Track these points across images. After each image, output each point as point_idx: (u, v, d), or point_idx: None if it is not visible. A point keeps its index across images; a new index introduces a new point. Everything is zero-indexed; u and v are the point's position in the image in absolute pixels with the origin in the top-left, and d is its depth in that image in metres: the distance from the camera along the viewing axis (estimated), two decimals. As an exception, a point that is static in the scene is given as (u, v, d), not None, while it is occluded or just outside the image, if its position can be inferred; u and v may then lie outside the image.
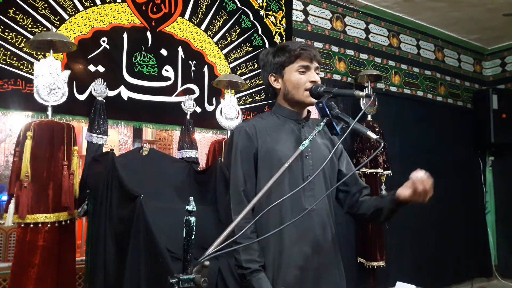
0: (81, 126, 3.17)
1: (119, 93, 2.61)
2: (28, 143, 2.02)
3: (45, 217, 2.02)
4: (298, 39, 3.50)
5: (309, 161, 1.40)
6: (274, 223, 1.34)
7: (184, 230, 0.86)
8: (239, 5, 3.22)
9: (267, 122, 1.46)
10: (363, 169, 3.43)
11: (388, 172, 3.52)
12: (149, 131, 5.29)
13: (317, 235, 1.37)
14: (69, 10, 2.50)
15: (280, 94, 1.47)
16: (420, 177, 1.20)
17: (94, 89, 2.44)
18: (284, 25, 3.48)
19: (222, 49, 3.10)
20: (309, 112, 1.51)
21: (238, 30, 3.20)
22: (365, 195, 1.49)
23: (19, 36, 2.33)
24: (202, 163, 3.14)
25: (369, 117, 3.62)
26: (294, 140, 1.42)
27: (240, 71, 3.17)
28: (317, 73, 1.43)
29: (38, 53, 2.34)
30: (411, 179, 1.22)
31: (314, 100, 1.39)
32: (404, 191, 1.25)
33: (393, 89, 4.24)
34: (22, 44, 2.32)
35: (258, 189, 1.38)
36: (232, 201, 1.37)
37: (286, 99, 1.46)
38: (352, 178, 1.50)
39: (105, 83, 2.47)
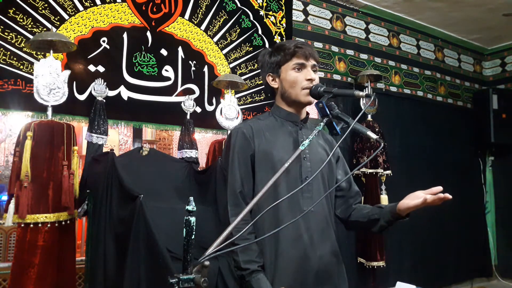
0: (81, 126, 3.18)
1: (119, 93, 2.61)
2: (28, 143, 2.02)
3: (45, 217, 2.02)
4: (298, 39, 3.50)
5: (307, 163, 1.39)
6: (271, 225, 1.33)
7: (184, 230, 0.86)
8: (239, 5, 3.22)
9: (264, 124, 1.45)
10: (363, 169, 3.43)
11: (388, 172, 3.52)
12: (149, 131, 5.29)
13: (315, 238, 1.36)
14: (69, 10, 2.50)
15: (278, 93, 1.46)
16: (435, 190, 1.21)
17: (94, 89, 2.44)
18: (284, 25, 3.47)
19: (222, 49, 3.10)
20: (307, 113, 1.50)
21: (238, 30, 3.20)
22: (358, 202, 1.50)
23: (19, 36, 2.33)
24: (202, 163, 3.14)
25: (369, 117, 3.62)
26: (291, 143, 1.41)
27: (240, 71, 3.17)
28: (315, 71, 1.41)
29: (38, 53, 2.34)
30: (421, 193, 1.22)
31: (312, 99, 1.39)
32: (408, 202, 1.25)
33: (393, 89, 4.24)
34: (22, 44, 2.32)
35: (255, 190, 1.37)
36: (230, 203, 1.36)
37: (283, 98, 1.45)
38: (347, 183, 1.50)
39: (105, 83, 2.47)
